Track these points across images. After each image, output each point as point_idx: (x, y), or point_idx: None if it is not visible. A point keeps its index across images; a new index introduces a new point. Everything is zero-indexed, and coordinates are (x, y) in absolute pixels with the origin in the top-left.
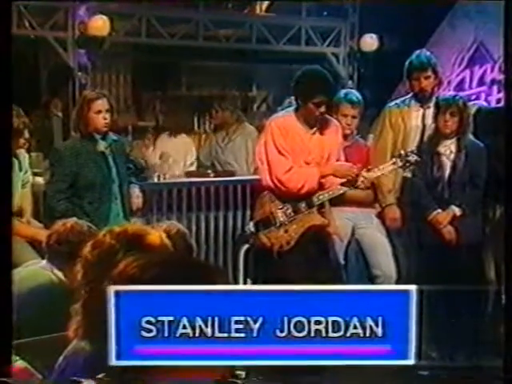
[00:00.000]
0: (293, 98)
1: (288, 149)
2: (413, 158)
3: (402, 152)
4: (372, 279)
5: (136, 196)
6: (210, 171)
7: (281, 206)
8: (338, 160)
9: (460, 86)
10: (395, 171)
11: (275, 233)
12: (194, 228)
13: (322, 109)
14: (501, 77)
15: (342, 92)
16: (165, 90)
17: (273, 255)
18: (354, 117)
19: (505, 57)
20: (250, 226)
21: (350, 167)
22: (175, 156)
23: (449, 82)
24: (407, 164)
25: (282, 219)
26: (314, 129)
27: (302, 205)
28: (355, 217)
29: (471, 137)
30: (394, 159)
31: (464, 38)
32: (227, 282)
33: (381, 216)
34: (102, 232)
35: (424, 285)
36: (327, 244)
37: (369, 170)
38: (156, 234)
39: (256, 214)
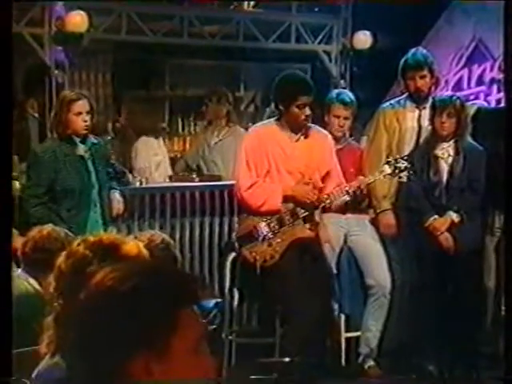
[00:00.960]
0: (273, 106)
1: (258, 162)
2: (403, 164)
3: (391, 158)
4: (365, 289)
5: (117, 201)
6: (194, 175)
7: (264, 219)
8: (329, 171)
9: (458, 86)
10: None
11: (259, 247)
12: (177, 235)
13: (307, 111)
14: (501, 76)
15: (334, 92)
16: (147, 89)
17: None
18: (346, 118)
19: (505, 55)
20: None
21: (308, 190)
22: (159, 159)
23: (446, 82)
24: (397, 171)
25: (265, 233)
26: (298, 135)
27: (287, 217)
28: (348, 223)
29: (470, 139)
30: (382, 167)
31: (462, 35)
32: (211, 294)
33: (375, 222)
34: (76, 241)
35: (420, 295)
36: (318, 253)
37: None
38: (132, 244)
39: (239, 229)
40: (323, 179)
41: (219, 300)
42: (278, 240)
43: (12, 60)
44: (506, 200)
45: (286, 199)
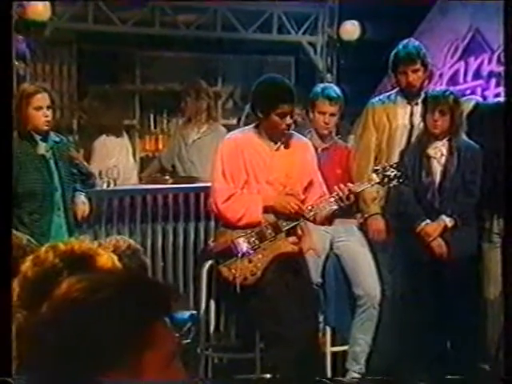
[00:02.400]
0: (250, 111)
1: (235, 172)
2: (392, 172)
3: (379, 167)
4: (353, 300)
5: (82, 204)
6: (167, 176)
7: (243, 234)
8: (311, 181)
9: (453, 80)
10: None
11: (238, 264)
12: (149, 242)
13: (288, 120)
14: (500, 69)
15: (319, 87)
16: (115, 83)
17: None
18: (332, 114)
19: (505, 46)
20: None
21: (290, 201)
22: (128, 159)
23: (440, 76)
24: (386, 180)
25: (245, 249)
26: (278, 144)
27: (268, 231)
28: (334, 229)
29: (465, 137)
30: (369, 175)
31: (458, 25)
32: (185, 305)
33: (363, 228)
34: (44, 247)
35: (412, 305)
36: (302, 267)
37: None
38: (107, 256)
39: (215, 245)
40: (305, 190)
41: (194, 312)
42: (259, 256)
43: (12, 61)
44: (505, 203)
45: (267, 211)
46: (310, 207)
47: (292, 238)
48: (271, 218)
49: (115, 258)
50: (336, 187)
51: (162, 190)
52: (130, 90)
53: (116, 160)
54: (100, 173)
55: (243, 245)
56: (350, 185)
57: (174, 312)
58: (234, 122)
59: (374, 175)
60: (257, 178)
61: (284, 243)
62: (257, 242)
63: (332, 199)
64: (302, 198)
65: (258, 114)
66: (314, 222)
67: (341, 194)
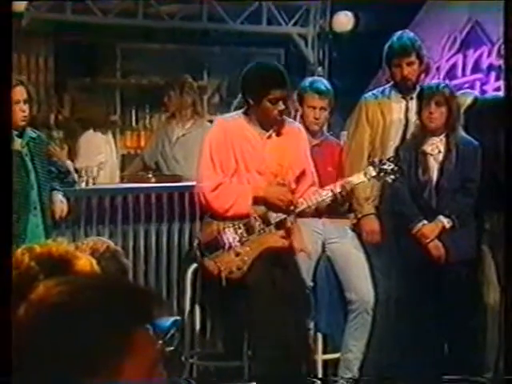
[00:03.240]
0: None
1: (224, 160)
2: (389, 166)
3: (376, 160)
4: (345, 305)
5: (59, 203)
6: (150, 175)
7: (230, 225)
8: (303, 171)
9: (451, 73)
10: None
11: (224, 257)
12: (130, 244)
13: (280, 106)
14: (499, 62)
15: (308, 80)
16: (95, 76)
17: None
18: (322, 109)
19: (505, 38)
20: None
21: (282, 192)
22: (106, 157)
23: (438, 69)
24: (382, 174)
25: (231, 240)
26: (270, 131)
27: (257, 223)
28: (326, 230)
29: (463, 133)
30: (364, 168)
31: (456, 16)
32: (169, 311)
33: (357, 228)
34: (20, 250)
35: (407, 311)
36: (292, 264)
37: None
38: (85, 260)
39: (201, 235)
40: (296, 180)
41: (178, 318)
42: (247, 249)
43: (12, 61)
44: (506, 202)
45: (257, 202)
46: (301, 200)
47: (281, 232)
48: (261, 209)
49: (93, 261)
50: (331, 185)
51: (144, 189)
52: (111, 84)
53: (105, 156)
54: (79, 170)
55: (230, 237)
56: (345, 179)
57: (156, 318)
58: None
59: (371, 168)
60: (247, 167)
61: (273, 237)
62: (245, 234)
63: (324, 192)
64: (294, 188)
65: (248, 101)
66: (304, 214)
67: (335, 187)
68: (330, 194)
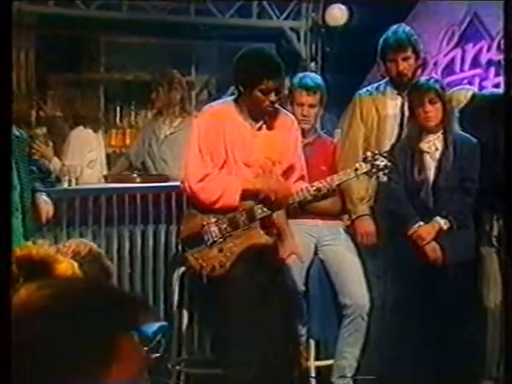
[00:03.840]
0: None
1: (214, 149)
2: (382, 162)
3: (369, 154)
4: (339, 309)
5: (44, 202)
6: (135, 175)
7: (214, 219)
8: (292, 165)
9: (449, 69)
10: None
11: (206, 252)
12: (114, 247)
13: (272, 97)
14: (499, 57)
15: (297, 76)
16: (78, 71)
17: (214, 281)
18: (311, 106)
19: (505, 32)
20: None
21: (273, 184)
22: (93, 156)
23: (435, 64)
24: (374, 170)
25: (215, 236)
26: (261, 123)
27: (242, 218)
28: (318, 231)
29: (459, 130)
30: (357, 164)
31: (454, 9)
32: (155, 316)
33: (351, 230)
34: None
35: (404, 316)
36: (283, 266)
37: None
38: (66, 263)
39: (183, 229)
40: (284, 174)
41: (164, 323)
42: (230, 244)
43: (11, 60)
44: (506, 202)
45: (246, 195)
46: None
47: (265, 229)
48: (248, 204)
49: (75, 264)
50: (321, 180)
51: (129, 190)
52: (95, 79)
53: (96, 154)
54: (64, 170)
55: (213, 231)
56: (331, 176)
57: (141, 324)
58: None
59: (363, 163)
60: (235, 158)
61: (257, 233)
62: (229, 229)
63: (312, 189)
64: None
65: (239, 88)
66: (295, 214)
67: (322, 184)
68: (319, 189)
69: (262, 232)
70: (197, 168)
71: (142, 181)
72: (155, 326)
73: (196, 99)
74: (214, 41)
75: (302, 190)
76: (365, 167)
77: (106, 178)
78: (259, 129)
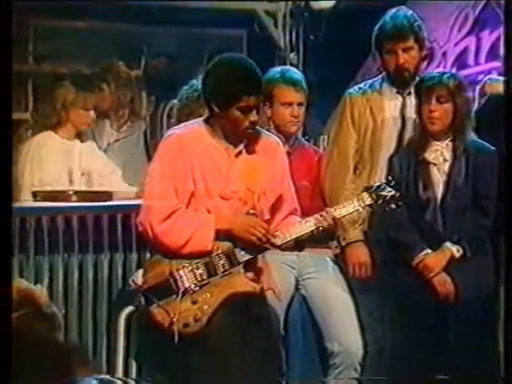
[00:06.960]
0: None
1: (179, 182)
2: (389, 192)
3: (373, 184)
4: (326, 358)
5: None
6: (71, 192)
7: (187, 264)
8: (281, 196)
9: (461, 61)
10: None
11: (177, 305)
12: (45, 280)
13: (254, 116)
14: None
15: (277, 70)
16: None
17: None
18: (300, 104)
19: (505, 30)
20: (136, 277)
21: (253, 223)
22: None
23: (444, 55)
24: (380, 201)
25: (188, 284)
26: (240, 147)
27: (221, 262)
28: (300, 261)
29: (474, 137)
30: (360, 195)
31: None
32: (95, 368)
33: (340, 260)
34: None
35: (406, 365)
36: (257, 306)
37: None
38: None
39: (146, 278)
40: (272, 208)
41: (106, 377)
42: (207, 295)
43: (11, 62)
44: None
45: (221, 235)
46: (278, 232)
47: (251, 274)
48: (227, 245)
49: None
50: (317, 215)
51: (63, 209)
52: (21, 72)
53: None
54: None
55: (186, 279)
56: (329, 209)
57: (78, 378)
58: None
59: (366, 195)
60: (208, 191)
61: (241, 280)
62: (204, 276)
63: (307, 223)
64: (268, 219)
65: (212, 107)
66: (281, 248)
67: (322, 220)
68: (314, 226)
69: (246, 278)
70: (159, 205)
71: (80, 199)
72: (95, 379)
73: (148, 100)
74: (172, 26)
75: (295, 227)
76: (369, 199)
77: (34, 194)
78: (238, 154)
